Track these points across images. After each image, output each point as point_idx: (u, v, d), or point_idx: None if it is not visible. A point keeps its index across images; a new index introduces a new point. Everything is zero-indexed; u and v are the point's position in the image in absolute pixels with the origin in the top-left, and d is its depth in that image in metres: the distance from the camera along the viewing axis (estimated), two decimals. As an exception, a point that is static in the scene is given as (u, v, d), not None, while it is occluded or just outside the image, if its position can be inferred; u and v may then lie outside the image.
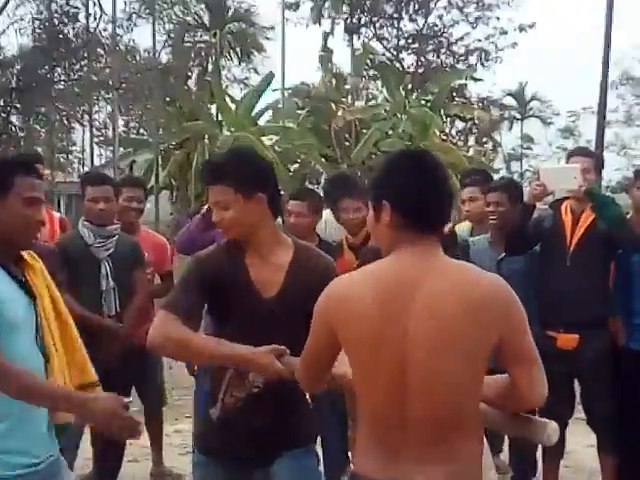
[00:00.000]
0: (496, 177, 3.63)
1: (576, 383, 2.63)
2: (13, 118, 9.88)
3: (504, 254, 2.66)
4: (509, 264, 2.63)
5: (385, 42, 16.54)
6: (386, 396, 1.18)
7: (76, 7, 9.46)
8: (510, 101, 22.81)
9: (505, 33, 15.57)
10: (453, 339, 1.14)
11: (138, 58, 11.06)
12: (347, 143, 14.57)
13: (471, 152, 15.50)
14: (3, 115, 9.46)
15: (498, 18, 15.26)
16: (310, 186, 12.17)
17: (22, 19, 8.92)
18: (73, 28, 9.51)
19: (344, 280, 1.28)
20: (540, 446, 2.43)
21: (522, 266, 2.66)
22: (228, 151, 1.97)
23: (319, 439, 2.12)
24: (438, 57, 16.64)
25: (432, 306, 1.15)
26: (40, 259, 1.50)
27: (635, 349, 2.49)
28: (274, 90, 15.20)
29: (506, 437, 2.81)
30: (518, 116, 24.04)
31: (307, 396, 1.68)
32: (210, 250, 1.66)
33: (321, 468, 1.84)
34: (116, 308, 2.62)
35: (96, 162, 15.09)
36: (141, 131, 14.90)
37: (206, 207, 2.38)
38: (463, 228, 3.02)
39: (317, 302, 1.26)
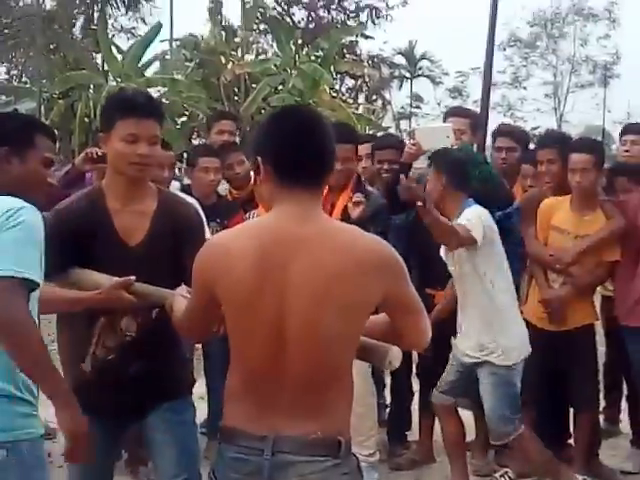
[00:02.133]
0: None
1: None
2: None
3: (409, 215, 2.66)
4: (390, 220, 2.64)
5: None
6: (262, 350, 1.18)
7: None
8: (400, 60, 22.06)
9: None
10: (334, 297, 1.15)
11: (21, 4, 10.16)
12: (236, 97, 13.80)
13: (360, 110, 14.83)
14: None
15: None
16: (198, 140, 12.14)
17: None
18: None
19: (224, 234, 1.35)
20: (418, 401, 2.79)
21: (403, 222, 2.67)
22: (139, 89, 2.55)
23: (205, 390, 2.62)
24: (329, 13, 15.73)
25: (313, 263, 1.15)
26: None
27: None
28: (162, 41, 14.34)
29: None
30: (408, 75, 23.18)
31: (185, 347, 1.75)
32: (69, 201, 1.67)
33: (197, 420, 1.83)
34: None
35: None
36: (23, 79, 13.78)
37: (76, 160, 2.35)
38: None
39: (197, 255, 1.24)
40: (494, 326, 2.27)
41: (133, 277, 1.50)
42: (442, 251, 2.36)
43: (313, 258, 1.15)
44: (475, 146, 3.03)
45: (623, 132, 3.18)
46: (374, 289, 1.17)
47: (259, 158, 1.21)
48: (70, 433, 1.33)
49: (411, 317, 1.25)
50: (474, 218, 2.21)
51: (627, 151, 2.99)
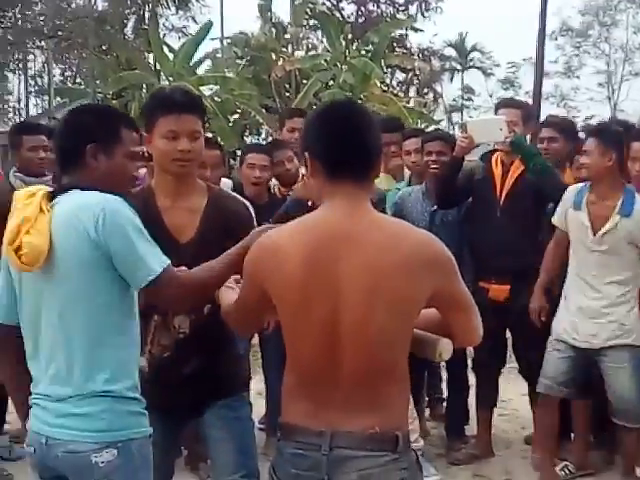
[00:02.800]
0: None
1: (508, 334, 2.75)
2: None
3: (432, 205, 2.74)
4: (442, 215, 2.69)
5: None
6: (316, 347, 1.18)
7: None
8: (450, 52, 22.05)
9: None
10: (386, 293, 1.14)
11: (73, 5, 10.41)
12: (287, 93, 13.94)
13: (412, 103, 14.77)
14: None
15: None
16: (250, 137, 12.82)
17: None
18: None
19: (274, 232, 1.28)
20: (475, 395, 2.82)
21: (455, 217, 2.71)
22: (177, 87, 2.40)
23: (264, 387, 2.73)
24: (378, 7, 16.11)
25: (363, 259, 1.15)
26: None
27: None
28: (213, 39, 14.67)
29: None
30: (459, 67, 23.14)
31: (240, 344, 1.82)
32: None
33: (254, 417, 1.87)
34: None
35: (32, 112, 14.48)
36: (77, 80, 14.74)
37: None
38: (381, 180, 2.83)
39: (248, 253, 1.27)
40: (632, 303, 2.33)
41: (184, 267, 1.44)
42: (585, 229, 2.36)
43: (363, 253, 1.14)
44: (528, 137, 2.99)
45: None
46: (424, 285, 1.16)
47: (307, 153, 1.22)
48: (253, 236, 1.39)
49: (462, 314, 1.23)
50: None
51: None
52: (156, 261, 1.33)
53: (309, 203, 2.11)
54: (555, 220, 2.47)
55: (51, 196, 1.34)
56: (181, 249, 1.58)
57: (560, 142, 2.81)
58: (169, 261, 1.34)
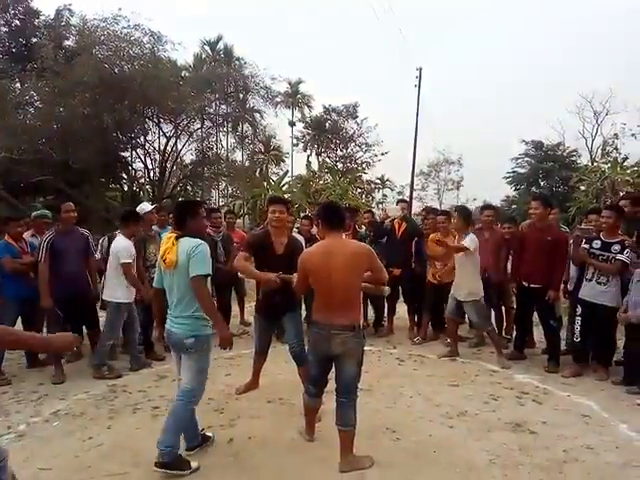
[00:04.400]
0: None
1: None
2: (188, 188, 18.96)
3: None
4: (376, 242, 6.34)
5: (330, 159, 38.41)
6: (324, 289, 3.15)
7: (212, 145, 18.45)
8: (378, 181, 46.59)
9: (376, 155, 37.90)
10: (349, 266, 3.11)
11: (236, 164, 20.06)
12: (316, 198, 30.22)
13: (363, 201, 33.59)
14: (184, 187, 18.33)
15: (374, 149, 38.04)
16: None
17: (191, 149, 18.55)
18: (211, 153, 18.11)
19: (310, 248, 3.32)
20: (387, 309, 6.81)
21: (383, 243, 6.42)
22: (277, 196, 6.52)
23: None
24: (351, 164, 38.18)
25: (339, 255, 3.11)
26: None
27: (419, 274, 6.33)
28: (288, 177, 33.62)
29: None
30: (381, 187, 49.28)
31: (297, 295, 3.80)
32: (259, 232, 4.27)
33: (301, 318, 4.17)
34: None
35: (220, 204, 29.13)
36: (237, 192, 30.21)
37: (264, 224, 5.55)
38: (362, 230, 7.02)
39: (299, 258, 3.25)
40: None
41: (280, 273, 3.69)
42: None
43: (340, 252, 3.14)
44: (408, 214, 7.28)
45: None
46: (362, 261, 3.15)
47: (320, 220, 3.29)
48: (223, 335, 3.13)
49: (378, 272, 3.23)
50: None
51: None
52: (199, 270, 3.03)
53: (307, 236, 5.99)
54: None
55: (177, 237, 3.15)
56: (277, 255, 3.90)
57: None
58: (208, 272, 3.09)
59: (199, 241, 3.13)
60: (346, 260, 3.12)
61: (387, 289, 3.63)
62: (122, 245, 4.84)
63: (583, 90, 50.64)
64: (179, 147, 17.76)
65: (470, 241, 5.28)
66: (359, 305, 3.27)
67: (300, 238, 5.40)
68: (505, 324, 6.33)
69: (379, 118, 72.93)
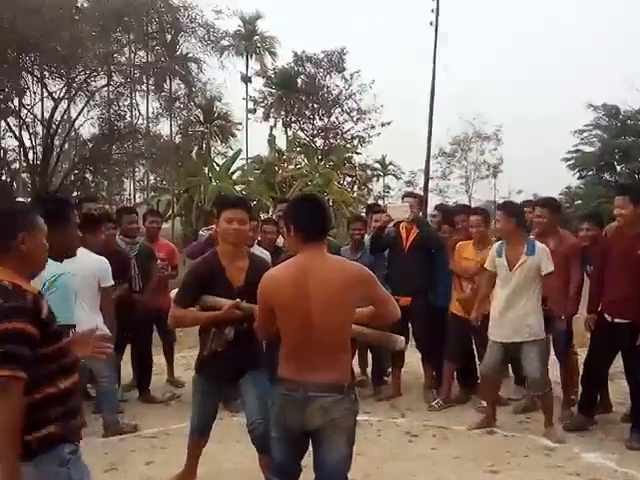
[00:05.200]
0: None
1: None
2: (88, 176, 22.34)
3: (360, 254, 6.79)
4: (362, 259, 6.46)
5: (305, 132, 38.74)
6: (298, 334, 3.05)
7: (124, 110, 21.46)
8: (377, 165, 52.21)
9: (373, 127, 38.20)
10: (336, 299, 3.01)
11: (161, 140, 23.49)
12: (284, 190, 31.38)
13: (355, 194, 36.12)
14: (81, 174, 21.45)
15: (370, 119, 38.06)
16: (263, 216, 24.78)
17: (92, 118, 20.97)
18: (123, 123, 21.22)
19: (274, 269, 3.25)
20: (390, 358, 6.71)
21: (366, 260, 6.39)
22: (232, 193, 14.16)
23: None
24: (336, 140, 38.48)
25: (322, 282, 3.01)
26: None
27: (439, 305, 6.51)
28: (241, 159, 36.33)
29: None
30: (381, 174, 55.73)
31: (261, 343, 4.07)
32: (201, 259, 4.16)
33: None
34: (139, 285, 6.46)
35: (137, 201, 33.81)
36: (163, 182, 33.71)
37: (210, 232, 5.73)
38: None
39: (260, 284, 3.14)
40: None
41: (238, 300, 3.77)
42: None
43: (321, 277, 3.01)
44: (422, 213, 7.46)
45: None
46: (355, 291, 3.06)
47: (291, 225, 3.11)
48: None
49: (383, 304, 3.17)
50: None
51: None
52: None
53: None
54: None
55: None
56: (234, 289, 3.94)
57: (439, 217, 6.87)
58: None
59: (62, 268, 3.27)
60: (333, 289, 3.03)
61: (402, 340, 3.58)
62: None
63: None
64: (73, 115, 17.59)
65: (546, 256, 5.44)
66: (349, 355, 3.26)
67: (265, 255, 5.41)
68: (567, 378, 6.37)
69: (377, 74, 73.86)
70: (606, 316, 5.41)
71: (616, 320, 5.33)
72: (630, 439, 5.30)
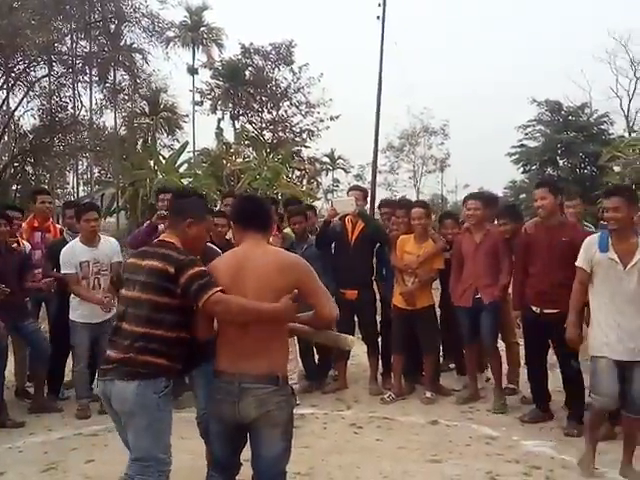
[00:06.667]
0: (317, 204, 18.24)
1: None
2: (28, 168, 22.07)
3: (305, 246, 6.67)
4: (306, 251, 6.37)
5: (254, 125, 40.18)
6: (233, 323, 3.13)
7: (66, 102, 21.52)
8: (326, 159, 53.98)
9: (322, 121, 39.58)
10: (269, 284, 3.13)
11: (105, 132, 24.11)
12: (232, 183, 32.53)
13: (304, 188, 36.18)
14: (21, 167, 21.38)
15: (319, 112, 39.30)
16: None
17: (32, 109, 20.97)
18: (65, 114, 21.35)
19: (218, 258, 3.43)
20: (335, 353, 6.68)
21: (313, 252, 6.50)
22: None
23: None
24: (285, 133, 39.81)
25: (257, 268, 3.17)
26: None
27: (387, 297, 6.69)
28: (188, 151, 36.42)
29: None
30: (330, 167, 56.68)
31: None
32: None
33: None
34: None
35: (81, 194, 33.93)
36: (108, 175, 33.52)
37: (152, 219, 5.91)
38: (290, 234, 7.00)
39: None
40: None
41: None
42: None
43: (258, 264, 3.16)
44: (367, 209, 7.18)
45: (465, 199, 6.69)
46: (288, 278, 3.14)
47: (232, 222, 3.54)
48: None
49: (317, 298, 3.18)
50: None
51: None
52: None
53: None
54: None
55: None
56: None
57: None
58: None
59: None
60: (267, 274, 3.14)
61: (352, 339, 3.53)
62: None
63: (615, 29, 54.33)
64: (12, 105, 17.15)
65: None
66: (285, 345, 3.28)
67: (215, 248, 5.36)
68: (508, 367, 6.60)
69: (326, 68, 74.21)
70: (534, 308, 5.53)
71: (545, 311, 5.44)
72: (567, 426, 5.46)
